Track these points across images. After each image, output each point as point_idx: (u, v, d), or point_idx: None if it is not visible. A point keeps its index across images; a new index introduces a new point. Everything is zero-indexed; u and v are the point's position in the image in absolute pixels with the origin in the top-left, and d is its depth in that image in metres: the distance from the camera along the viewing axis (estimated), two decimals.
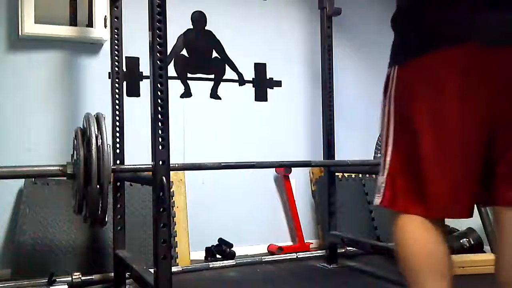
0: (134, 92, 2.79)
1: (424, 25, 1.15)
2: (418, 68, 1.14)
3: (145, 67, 2.79)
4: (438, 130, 1.11)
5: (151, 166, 1.67)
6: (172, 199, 2.74)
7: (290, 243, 3.20)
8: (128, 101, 2.42)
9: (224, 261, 2.76)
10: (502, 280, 1.17)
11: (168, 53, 1.75)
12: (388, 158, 1.21)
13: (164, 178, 1.60)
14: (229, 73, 3.11)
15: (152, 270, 1.70)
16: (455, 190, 1.12)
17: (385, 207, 1.21)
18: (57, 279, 2.21)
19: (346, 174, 3.23)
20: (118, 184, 2.29)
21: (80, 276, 2.27)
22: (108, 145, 1.82)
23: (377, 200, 1.22)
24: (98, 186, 1.78)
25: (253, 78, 3.18)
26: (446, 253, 1.24)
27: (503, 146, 1.10)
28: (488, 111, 1.09)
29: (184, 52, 2.98)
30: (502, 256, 1.17)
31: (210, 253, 2.89)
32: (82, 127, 1.90)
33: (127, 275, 2.25)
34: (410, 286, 1.27)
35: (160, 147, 1.63)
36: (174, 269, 2.30)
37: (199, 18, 3.03)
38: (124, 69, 2.39)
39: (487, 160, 1.12)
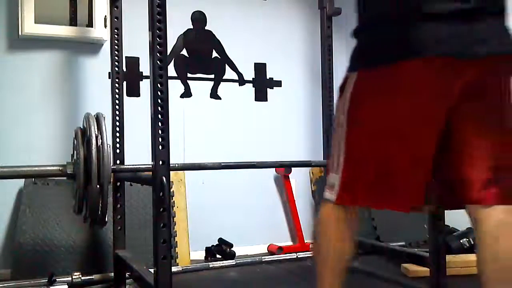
0: (134, 92, 2.79)
1: (384, 39, 1.23)
2: (377, 76, 1.23)
3: (145, 67, 2.79)
4: (387, 130, 1.21)
5: (151, 166, 1.67)
6: (172, 199, 2.74)
7: (290, 243, 3.21)
8: (128, 101, 2.42)
9: (224, 261, 2.76)
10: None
11: (168, 53, 1.75)
12: (342, 157, 1.29)
13: (164, 178, 1.60)
14: (229, 73, 3.11)
15: (152, 270, 1.70)
16: (400, 183, 1.20)
17: (339, 204, 1.30)
18: (57, 279, 2.21)
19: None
20: (118, 184, 2.29)
21: (80, 276, 2.27)
22: (108, 145, 1.82)
23: (331, 197, 1.31)
24: (98, 186, 1.78)
25: (253, 78, 3.19)
26: (350, 251, 1.36)
27: (456, 148, 1.20)
28: (439, 118, 1.18)
29: (184, 52, 2.98)
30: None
31: (210, 253, 2.89)
32: (82, 127, 1.90)
33: (127, 275, 2.25)
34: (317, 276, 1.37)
35: (160, 147, 1.63)
36: (174, 269, 2.30)
37: (199, 18, 3.03)
38: (124, 69, 2.39)
39: (445, 163, 1.21)
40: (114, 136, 2.31)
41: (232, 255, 2.87)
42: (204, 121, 3.04)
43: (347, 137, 1.29)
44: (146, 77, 2.76)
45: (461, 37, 1.15)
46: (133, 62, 2.50)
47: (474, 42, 1.15)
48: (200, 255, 2.88)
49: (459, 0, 1.16)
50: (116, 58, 2.36)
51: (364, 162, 1.25)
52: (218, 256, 2.88)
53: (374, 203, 1.32)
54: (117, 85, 2.35)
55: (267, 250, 3.08)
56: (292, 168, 3.11)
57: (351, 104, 1.28)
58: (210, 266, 2.69)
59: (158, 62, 1.63)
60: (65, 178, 1.82)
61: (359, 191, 1.27)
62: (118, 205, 2.29)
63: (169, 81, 1.67)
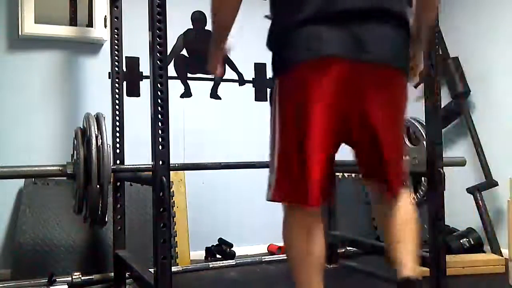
0: (134, 92, 2.78)
1: (291, 45, 1.34)
2: (292, 79, 1.35)
3: (145, 67, 2.79)
4: (301, 128, 1.31)
5: (151, 166, 1.67)
6: (172, 199, 2.74)
7: None
8: (128, 101, 2.42)
9: (224, 261, 2.76)
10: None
11: (168, 53, 1.74)
12: (276, 157, 1.40)
13: (164, 178, 1.60)
14: (229, 73, 3.11)
15: (152, 270, 1.70)
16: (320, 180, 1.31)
17: (276, 201, 1.45)
18: (57, 279, 2.21)
19: (346, 174, 3.23)
20: (118, 184, 2.29)
21: (80, 276, 2.27)
22: (108, 145, 1.82)
23: (269, 196, 1.46)
24: (98, 186, 1.78)
25: (253, 78, 3.18)
26: (323, 251, 1.44)
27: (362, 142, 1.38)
28: (345, 113, 1.31)
29: (184, 52, 2.98)
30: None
31: (210, 253, 2.89)
32: (82, 127, 1.90)
33: (127, 275, 2.25)
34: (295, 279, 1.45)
35: (160, 147, 1.63)
36: (174, 269, 2.30)
37: (199, 18, 3.02)
38: (124, 69, 2.39)
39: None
40: (114, 136, 2.31)
41: (232, 255, 2.87)
42: (204, 121, 3.04)
43: (278, 140, 1.40)
44: (146, 77, 2.75)
45: (357, 41, 1.28)
46: (133, 62, 2.49)
47: (367, 47, 1.28)
48: (200, 255, 2.88)
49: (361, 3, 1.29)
50: (116, 58, 2.36)
51: (289, 162, 1.35)
52: (218, 256, 2.88)
53: (296, 202, 1.41)
54: (117, 85, 2.35)
55: (267, 250, 3.08)
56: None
57: (278, 109, 1.41)
58: (210, 266, 2.69)
59: (158, 62, 1.63)
60: (65, 178, 1.82)
61: (287, 190, 1.40)
62: (118, 205, 2.29)
63: (169, 81, 1.66)
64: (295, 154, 1.33)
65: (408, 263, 1.45)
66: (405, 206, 1.48)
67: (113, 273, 2.30)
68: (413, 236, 1.49)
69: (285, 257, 2.86)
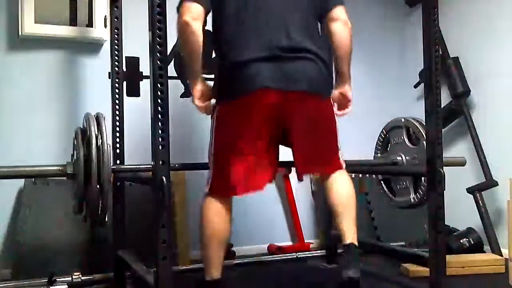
0: (134, 92, 2.78)
1: (231, 79, 1.81)
2: (230, 105, 1.83)
3: (145, 67, 2.78)
4: (237, 142, 1.80)
5: (151, 166, 1.67)
6: (172, 199, 2.74)
7: (290, 243, 3.20)
8: (128, 101, 2.42)
9: (224, 261, 2.75)
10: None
11: (168, 53, 1.74)
12: (212, 161, 1.87)
13: (164, 178, 1.60)
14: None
15: (152, 270, 1.70)
16: (245, 176, 1.79)
17: (210, 195, 1.83)
18: (57, 279, 2.21)
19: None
20: (118, 184, 2.29)
21: (80, 276, 2.27)
22: (108, 145, 1.82)
23: (206, 190, 1.85)
24: (98, 186, 1.78)
25: None
26: (228, 229, 1.87)
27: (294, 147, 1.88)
28: (274, 130, 1.81)
29: None
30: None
31: None
32: (82, 127, 1.90)
33: (127, 275, 2.25)
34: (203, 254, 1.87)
35: (160, 147, 1.63)
36: (174, 269, 2.30)
37: None
38: (124, 69, 2.39)
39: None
40: (114, 136, 2.31)
41: (232, 255, 2.87)
42: (204, 120, 3.03)
43: (214, 149, 1.87)
44: (146, 77, 2.75)
45: (286, 75, 1.77)
46: (133, 62, 2.49)
47: (296, 78, 1.78)
48: (200, 255, 2.87)
49: (284, 46, 1.77)
50: (116, 58, 2.36)
51: (222, 165, 1.83)
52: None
53: (227, 193, 1.84)
54: (117, 85, 2.35)
55: (267, 250, 3.08)
56: (292, 168, 3.10)
57: (217, 125, 1.87)
58: None
59: (158, 62, 1.63)
60: (65, 178, 1.82)
61: (220, 185, 1.83)
62: (118, 205, 2.29)
63: (169, 81, 1.67)
64: (224, 160, 1.82)
65: (346, 231, 1.87)
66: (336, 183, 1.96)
67: (113, 273, 2.30)
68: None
69: (286, 257, 2.88)
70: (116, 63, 2.36)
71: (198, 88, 1.92)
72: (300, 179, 1.96)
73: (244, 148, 1.79)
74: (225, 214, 1.84)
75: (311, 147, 1.90)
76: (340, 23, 1.93)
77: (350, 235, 1.85)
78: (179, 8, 1.81)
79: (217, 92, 1.90)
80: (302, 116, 1.83)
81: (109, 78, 2.37)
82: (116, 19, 2.37)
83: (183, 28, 1.79)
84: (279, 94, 1.76)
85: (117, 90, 2.35)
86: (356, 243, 1.84)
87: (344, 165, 2.02)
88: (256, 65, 1.75)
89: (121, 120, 2.34)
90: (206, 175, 1.90)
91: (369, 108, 3.46)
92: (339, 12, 1.94)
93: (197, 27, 1.79)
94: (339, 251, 2.17)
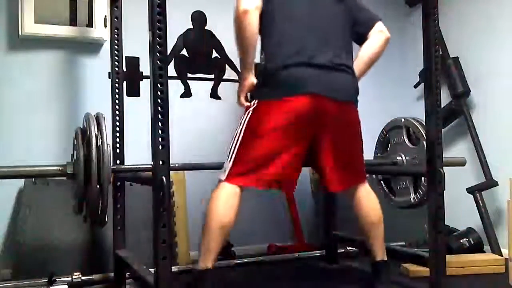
0: (134, 92, 2.79)
1: (278, 81, 1.89)
2: (271, 104, 1.89)
3: (145, 67, 2.79)
4: (270, 140, 1.88)
5: (151, 166, 1.67)
6: (172, 199, 2.74)
7: (290, 243, 3.20)
8: (128, 101, 2.42)
9: (224, 261, 2.76)
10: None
11: (168, 53, 1.75)
12: (235, 151, 1.91)
13: (164, 178, 1.60)
14: (229, 73, 3.11)
15: (152, 270, 1.70)
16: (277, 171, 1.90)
17: (227, 181, 1.90)
18: (57, 279, 2.21)
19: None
20: (118, 184, 2.29)
21: (80, 276, 2.27)
22: (108, 145, 1.82)
23: (223, 177, 1.91)
24: (98, 186, 1.78)
25: None
26: (233, 222, 1.92)
27: (320, 156, 1.98)
28: (310, 135, 1.92)
29: (184, 52, 2.98)
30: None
31: None
32: (82, 127, 1.90)
33: (127, 275, 2.25)
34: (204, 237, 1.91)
35: (160, 147, 1.63)
36: (174, 269, 2.30)
37: (199, 18, 3.02)
38: (124, 69, 2.39)
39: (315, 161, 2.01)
40: (114, 136, 2.31)
41: (232, 255, 2.87)
42: (204, 121, 3.04)
43: (241, 140, 1.91)
44: (146, 77, 2.76)
45: (328, 82, 1.89)
46: (133, 62, 2.50)
47: (336, 88, 1.92)
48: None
49: (328, 59, 1.90)
50: (116, 58, 2.36)
51: (250, 157, 1.89)
52: (218, 256, 2.87)
53: (249, 184, 1.92)
54: (117, 85, 2.35)
55: (267, 250, 3.07)
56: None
57: (249, 119, 1.92)
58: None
59: (158, 62, 1.63)
60: (65, 178, 1.82)
61: (242, 175, 1.89)
62: (118, 205, 2.29)
63: (169, 81, 1.67)
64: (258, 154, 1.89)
65: (379, 250, 2.16)
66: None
67: (113, 273, 2.30)
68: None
69: (286, 257, 2.88)
70: (116, 63, 2.36)
71: (250, 81, 1.98)
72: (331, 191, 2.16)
73: (278, 145, 1.87)
74: (235, 206, 1.90)
75: (346, 160, 2.02)
76: (383, 34, 2.11)
77: (381, 252, 2.13)
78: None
79: (260, 90, 1.97)
80: (341, 124, 1.96)
81: (109, 78, 2.37)
82: (116, 19, 2.37)
83: (242, 17, 1.83)
84: (323, 100, 1.87)
85: (117, 90, 2.35)
86: (386, 259, 2.14)
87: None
88: (304, 70, 1.86)
89: (121, 120, 2.34)
90: (224, 164, 1.96)
91: (369, 108, 3.45)
92: (381, 26, 2.14)
93: (255, 18, 1.84)
94: (372, 268, 2.22)
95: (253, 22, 1.84)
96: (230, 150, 1.94)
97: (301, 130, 1.89)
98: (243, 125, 1.94)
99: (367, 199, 2.12)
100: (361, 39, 2.12)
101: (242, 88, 2.01)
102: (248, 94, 2.03)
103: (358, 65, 2.09)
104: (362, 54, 2.11)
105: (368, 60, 2.12)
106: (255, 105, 1.94)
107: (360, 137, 2.09)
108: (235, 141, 1.93)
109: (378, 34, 2.10)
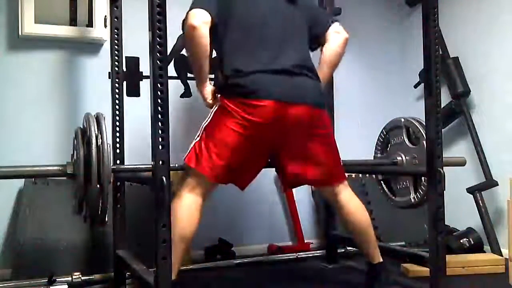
0: (134, 92, 2.78)
1: (238, 86, 1.88)
2: (236, 102, 1.88)
3: (145, 67, 2.78)
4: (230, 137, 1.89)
5: (151, 166, 1.67)
6: (172, 199, 2.73)
7: (290, 243, 3.20)
8: (128, 101, 2.42)
9: (224, 261, 2.76)
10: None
11: (168, 53, 1.75)
12: (199, 139, 1.96)
13: (164, 178, 1.60)
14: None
15: (152, 270, 1.70)
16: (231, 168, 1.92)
17: (188, 165, 1.93)
18: (57, 279, 2.21)
19: (346, 174, 3.22)
20: (118, 184, 2.29)
21: (80, 276, 2.27)
22: (108, 145, 1.82)
23: (189, 163, 1.94)
24: (98, 186, 1.78)
25: None
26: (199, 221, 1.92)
27: (284, 159, 2.04)
28: (271, 140, 1.94)
29: (184, 52, 2.97)
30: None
31: (210, 253, 2.89)
32: (82, 127, 1.90)
33: (127, 275, 2.25)
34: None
35: (160, 147, 1.63)
36: None
37: None
38: (124, 69, 2.39)
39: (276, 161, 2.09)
40: (114, 136, 2.31)
41: (232, 255, 2.87)
42: (204, 121, 3.03)
43: (206, 133, 1.95)
44: (146, 77, 2.75)
45: (290, 88, 1.89)
46: (133, 62, 2.49)
47: (296, 93, 1.90)
48: (200, 255, 2.88)
49: (287, 64, 1.90)
50: (116, 58, 2.36)
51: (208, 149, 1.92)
52: (218, 256, 2.87)
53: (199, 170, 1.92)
54: (117, 85, 2.35)
55: (267, 250, 3.08)
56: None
57: (210, 122, 1.96)
58: (210, 266, 2.68)
59: (158, 62, 1.63)
60: (65, 178, 1.82)
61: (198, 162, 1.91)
62: (118, 205, 2.29)
63: (169, 81, 1.67)
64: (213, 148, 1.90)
65: (373, 254, 2.19)
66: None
67: (113, 273, 2.30)
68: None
69: (286, 257, 2.88)
70: (116, 63, 2.36)
71: (208, 90, 2.02)
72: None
73: (240, 148, 1.89)
74: (200, 209, 1.94)
75: (320, 161, 2.04)
76: (340, 34, 2.11)
77: (376, 255, 2.16)
78: (184, 20, 1.93)
79: (223, 89, 1.97)
80: (304, 128, 1.96)
81: (109, 78, 2.37)
82: (116, 19, 2.37)
83: (191, 32, 1.87)
84: (287, 106, 1.88)
85: (117, 90, 2.35)
86: (381, 260, 2.16)
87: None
88: (263, 76, 1.86)
89: (121, 120, 2.34)
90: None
91: (369, 108, 3.47)
92: (337, 27, 2.13)
93: (205, 31, 1.87)
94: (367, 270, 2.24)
95: (202, 36, 1.87)
96: (200, 135, 2.02)
97: (261, 136, 1.90)
98: (210, 119, 1.99)
99: (351, 204, 2.13)
100: (318, 41, 2.12)
101: (206, 98, 2.05)
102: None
103: (321, 69, 2.10)
104: (323, 57, 2.11)
105: (329, 63, 2.12)
106: (221, 102, 1.95)
107: (330, 138, 2.09)
108: (203, 131, 1.99)
109: (335, 35, 2.10)
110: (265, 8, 1.98)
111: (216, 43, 1.96)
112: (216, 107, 1.96)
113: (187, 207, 1.89)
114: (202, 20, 1.86)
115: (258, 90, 1.85)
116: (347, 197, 2.13)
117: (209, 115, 1.98)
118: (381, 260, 2.16)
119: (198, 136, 1.98)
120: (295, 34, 2.01)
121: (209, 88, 2.03)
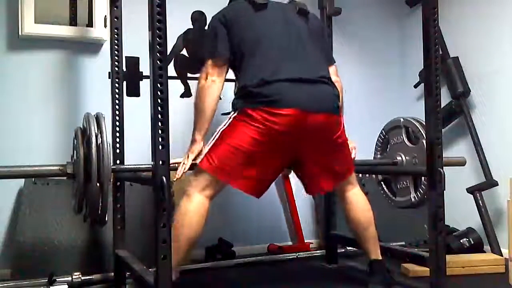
0: (134, 92, 2.78)
1: (261, 95, 1.92)
2: (256, 110, 1.92)
3: (145, 67, 2.78)
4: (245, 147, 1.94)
5: (151, 166, 1.67)
6: (172, 199, 2.73)
7: (290, 243, 3.21)
8: (128, 101, 2.42)
9: (224, 261, 2.76)
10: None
11: (168, 53, 1.75)
12: (213, 144, 1.99)
13: (164, 178, 1.60)
14: (229, 73, 3.10)
15: (152, 270, 1.70)
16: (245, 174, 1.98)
17: (201, 168, 1.98)
18: (57, 279, 2.21)
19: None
20: (118, 184, 2.29)
21: (80, 276, 2.27)
22: (108, 145, 1.82)
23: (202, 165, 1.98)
24: (98, 185, 1.78)
25: None
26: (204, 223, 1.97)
27: (308, 166, 2.11)
28: (289, 148, 2.00)
29: (184, 52, 2.98)
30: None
31: (210, 253, 2.89)
32: (82, 127, 1.90)
33: (127, 275, 2.25)
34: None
35: (160, 147, 1.63)
36: None
37: (199, 18, 3.02)
38: (124, 69, 2.39)
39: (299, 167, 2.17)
40: (114, 136, 2.31)
41: (232, 255, 2.87)
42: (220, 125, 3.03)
43: (222, 140, 1.97)
44: (146, 77, 2.75)
45: (310, 96, 1.94)
46: (133, 62, 2.49)
47: (316, 101, 1.95)
48: (200, 255, 2.88)
49: (306, 73, 1.96)
50: (116, 58, 2.36)
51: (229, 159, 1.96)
52: (218, 256, 2.87)
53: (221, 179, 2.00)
54: (117, 85, 2.35)
55: (267, 250, 3.08)
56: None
57: (228, 127, 1.98)
58: (210, 266, 2.68)
59: (158, 62, 1.63)
60: (65, 178, 1.82)
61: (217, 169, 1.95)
62: (118, 205, 2.29)
63: (169, 81, 1.67)
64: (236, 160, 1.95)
65: (372, 250, 2.23)
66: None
67: (113, 273, 2.30)
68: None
69: (286, 257, 2.88)
70: (116, 63, 2.36)
71: (198, 148, 2.05)
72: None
73: (257, 154, 1.93)
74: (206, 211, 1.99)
75: (328, 166, 2.12)
76: (339, 83, 2.23)
77: (376, 252, 2.20)
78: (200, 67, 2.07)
79: (245, 98, 1.98)
80: (323, 134, 2.02)
81: (109, 78, 2.37)
82: (116, 19, 2.37)
83: (204, 89, 2.01)
84: (307, 114, 1.92)
85: (117, 90, 2.35)
86: (380, 258, 2.20)
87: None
88: (283, 84, 1.91)
89: (121, 120, 2.34)
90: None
91: (369, 108, 3.47)
92: (336, 71, 2.26)
93: (216, 89, 2.01)
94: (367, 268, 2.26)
95: (214, 92, 2.00)
96: (214, 141, 2.05)
97: (282, 143, 1.95)
98: (218, 133, 2.02)
99: (357, 201, 2.20)
100: None
101: (191, 151, 2.05)
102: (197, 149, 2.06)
103: None
104: None
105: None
106: (236, 114, 1.99)
107: (343, 143, 2.14)
108: (214, 137, 2.03)
109: (336, 83, 2.17)
110: (280, 20, 2.06)
111: (236, 61, 2.06)
112: (235, 113, 1.99)
113: (196, 211, 1.93)
114: (217, 72, 2.02)
115: (281, 99, 1.89)
116: (353, 196, 2.20)
117: (227, 120, 2.01)
118: (379, 258, 2.20)
119: (213, 140, 2.00)
120: (311, 43, 2.09)
121: (200, 146, 2.04)
